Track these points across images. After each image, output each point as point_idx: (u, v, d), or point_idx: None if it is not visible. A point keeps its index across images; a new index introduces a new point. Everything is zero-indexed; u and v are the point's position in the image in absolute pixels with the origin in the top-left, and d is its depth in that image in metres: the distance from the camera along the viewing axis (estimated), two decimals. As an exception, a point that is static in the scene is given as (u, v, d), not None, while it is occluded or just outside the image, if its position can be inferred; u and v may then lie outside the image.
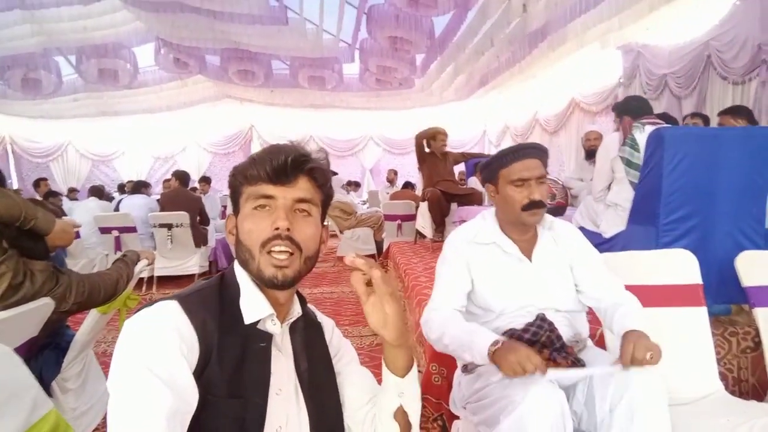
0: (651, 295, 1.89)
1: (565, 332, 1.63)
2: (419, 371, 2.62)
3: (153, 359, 0.79)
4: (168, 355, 0.80)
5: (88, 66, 9.74)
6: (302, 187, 0.95)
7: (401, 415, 1.02)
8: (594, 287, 1.69)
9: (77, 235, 5.69)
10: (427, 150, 5.63)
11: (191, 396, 0.81)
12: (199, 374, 0.84)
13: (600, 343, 2.00)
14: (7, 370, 1.02)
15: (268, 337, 0.96)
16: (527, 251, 1.72)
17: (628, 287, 1.71)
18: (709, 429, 1.59)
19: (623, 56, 7.99)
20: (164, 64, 10.42)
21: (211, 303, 0.92)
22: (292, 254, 0.92)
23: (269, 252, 0.91)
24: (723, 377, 2.28)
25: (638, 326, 1.42)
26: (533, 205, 1.62)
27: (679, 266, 1.99)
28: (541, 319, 1.59)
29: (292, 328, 1.03)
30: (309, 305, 1.13)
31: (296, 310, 1.04)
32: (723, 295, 2.29)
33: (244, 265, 0.95)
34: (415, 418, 1.03)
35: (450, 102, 12.54)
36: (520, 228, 1.72)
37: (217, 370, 0.87)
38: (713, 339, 1.94)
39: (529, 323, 1.60)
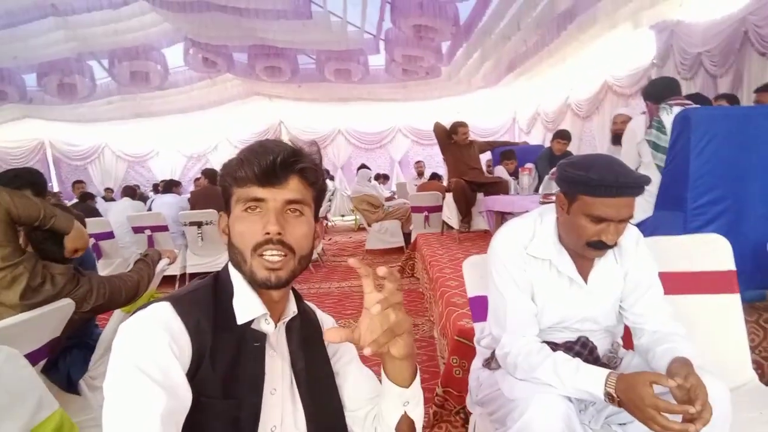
0: (681, 282, 1.82)
1: (603, 345, 1.56)
2: (443, 364, 2.60)
3: (146, 360, 0.79)
4: (161, 356, 0.80)
5: (120, 69, 10.03)
6: (293, 188, 0.92)
7: (404, 421, 0.99)
8: (637, 312, 1.51)
9: (111, 235, 5.87)
10: (451, 140, 5.56)
11: (185, 396, 0.81)
12: (193, 375, 0.84)
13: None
14: (12, 371, 1.04)
15: (262, 337, 0.95)
16: (584, 270, 1.50)
17: (659, 274, 1.58)
18: (742, 422, 1.49)
19: (656, 35, 7.69)
20: (193, 63, 10.63)
21: (204, 303, 0.92)
22: (285, 255, 0.91)
23: (261, 255, 0.90)
24: (758, 366, 2.19)
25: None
26: (601, 246, 1.37)
27: (712, 251, 1.88)
28: (582, 344, 1.49)
29: (288, 327, 1.02)
30: (307, 302, 1.12)
31: (291, 309, 1.02)
32: (756, 280, 2.20)
33: (237, 266, 0.94)
34: (419, 422, 1.01)
35: (478, 89, 12.37)
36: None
37: (210, 370, 0.87)
38: (747, 326, 1.85)
39: (571, 342, 1.50)
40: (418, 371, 0.98)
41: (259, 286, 0.92)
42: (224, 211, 0.99)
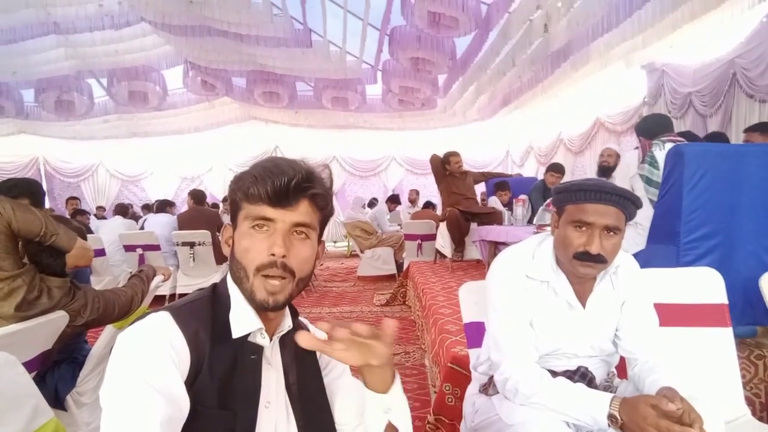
0: (673, 315, 1.82)
1: (599, 374, 1.56)
2: (434, 392, 2.58)
3: (145, 369, 0.79)
4: (160, 364, 0.81)
5: (118, 88, 10.09)
6: (302, 211, 0.94)
7: (391, 430, 0.99)
8: (631, 342, 1.51)
9: (102, 253, 5.82)
10: (446, 171, 5.63)
11: (183, 405, 0.82)
12: (190, 384, 0.85)
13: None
14: (9, 378, 1.03)
15: (258, 350, 0.96)
16: (582, 295, 1.49)
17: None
18: (735, 457, 1.51)
19: (647, 75, 7.91)
20: (192, 86, 10.70)
21: (202, 314, 0.92)
22: (284, 278, 0.92)
23: (264, 276, 0.91)
24: (749, 402, 2.18)
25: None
26: (587, 257, 1.36)
27: (704, 285, 1.89)
28: (582, 374, 1.49)
29: (282, 341, 1.02)
30: (302, 318, 1.12)
31: (287, 323, 1.03)
32: (748, 316, 2.21)
33: (238, 281, 0.95)
34: (407, 427, 1.00)
35: (473, 122, 12.54)
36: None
37: (207, 380, 0.87)
38: (738, 362, 1.85)
39: (570, 372, 1.49)
40: (398, 377, 0.98)
41: (256, 306, 0.93)
42: (230, 222, 0.99)
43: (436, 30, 7.52)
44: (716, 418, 1.26)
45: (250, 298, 0.92)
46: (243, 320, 0.94)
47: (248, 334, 0.94)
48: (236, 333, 0.93)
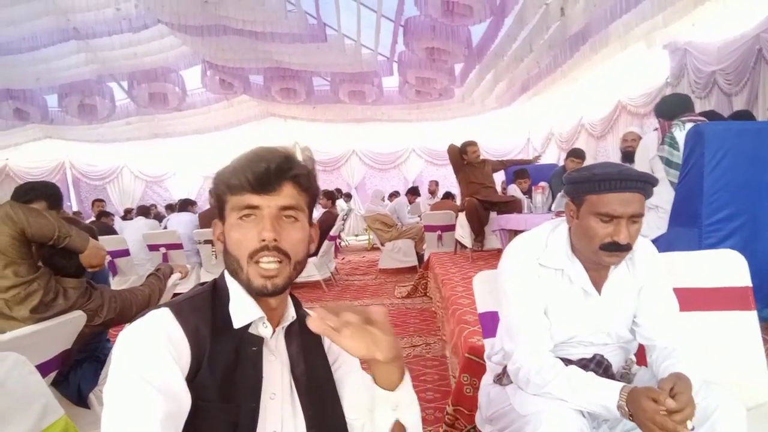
0: (696, 299, 1.78)
1: (617, 361, 1.53)
2: (454, 383, 2.56)
3: (145, 366, 0.80)
4: (159, 361, 0.82)
5: (139, 90, 10.22)
6: (287, 194, 0.93)
7: (397, 429, 0.97)
8: (650, 328, 1.47)
9: (127, 253, 5.93)
10: (464, 161, 5.59)
11: (184, 401, 0.82)
12: (191, 379, 0.85)
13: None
14: (18, 377, 1.04)
15: (259, 341, 0.96)
16: (598, 282, 1.46)
17: (673, 290, 1.55)
18: (761, 443, 1.47)
19: (670, 55, 7.71)
20: (210, 85, 10.78)
21: (203, 309, 0.93)
22: (280, 262, 0.91)
23: (257, 262, 0.91)
24: (776, 387, 2.12)
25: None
26: (615, 248, 1.32)
27: (727, 267, 1.84)
28: (597, 362, 1.47)
29: (288, 332, 1.02)
30: (307, 309, 1.11)
31: (290, 314, 1.02)
32: (774, 298, 2.14)
33: (234, 274, 0.95)
34: (414, 429, 0.98)
35: (492, 110, 12.39)
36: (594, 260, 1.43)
37: (208, 374, 0.87)
38: (764, 345, 1.80)
39: (586, 360, 1.47)
40: (408, 375, 0.96)
41: (255, 294, 0.93)
42: (219, 219, 0.99)
43: (451, 19, 7.43)
44: (736, 404, 1.22)
45: (248, 287, 0.92)
46: (243, 310, 0.94)
47: (249, 326, 0.94)
48: (237, 323, 0.93)
